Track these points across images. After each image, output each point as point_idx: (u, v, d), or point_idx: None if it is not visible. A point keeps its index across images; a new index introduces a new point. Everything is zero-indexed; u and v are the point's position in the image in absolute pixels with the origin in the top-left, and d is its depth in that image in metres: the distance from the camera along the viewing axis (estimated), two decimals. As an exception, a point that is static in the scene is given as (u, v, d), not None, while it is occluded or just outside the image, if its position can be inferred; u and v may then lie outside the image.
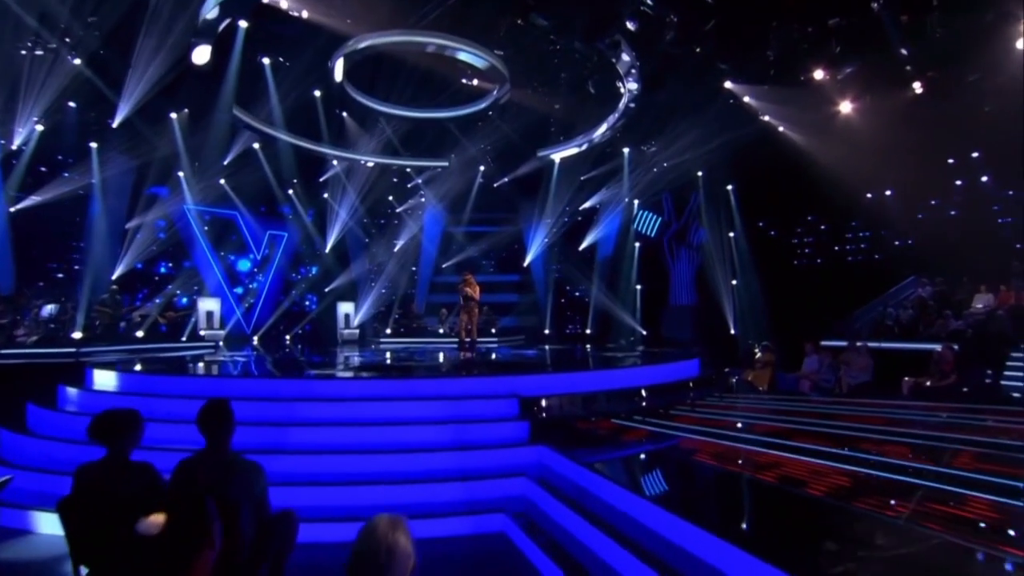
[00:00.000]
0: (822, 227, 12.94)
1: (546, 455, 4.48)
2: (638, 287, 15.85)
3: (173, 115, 10.97)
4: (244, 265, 14.18)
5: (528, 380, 5.80)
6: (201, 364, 6.98)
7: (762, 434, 4.73)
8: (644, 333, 14.93)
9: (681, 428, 4.95)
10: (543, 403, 5.46)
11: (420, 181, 15.21)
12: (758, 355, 9.00)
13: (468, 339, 8.71)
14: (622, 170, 14.29)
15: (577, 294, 17.03)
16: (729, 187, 14.49)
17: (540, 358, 8.11)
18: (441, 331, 12.77)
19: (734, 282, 14.39)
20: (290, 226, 14.72)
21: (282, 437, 4.68)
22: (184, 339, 10.46)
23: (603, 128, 12.21)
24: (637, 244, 15.94)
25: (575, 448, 4.31)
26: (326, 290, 14.79)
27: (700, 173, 14.37)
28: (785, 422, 5.23)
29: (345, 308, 13.83)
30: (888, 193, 11.70)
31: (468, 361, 7.35)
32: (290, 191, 14.40)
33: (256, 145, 12.73)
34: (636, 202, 15.27)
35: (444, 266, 16.16)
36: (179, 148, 11.23)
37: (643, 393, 6.10)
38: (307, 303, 15.54)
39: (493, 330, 13.29)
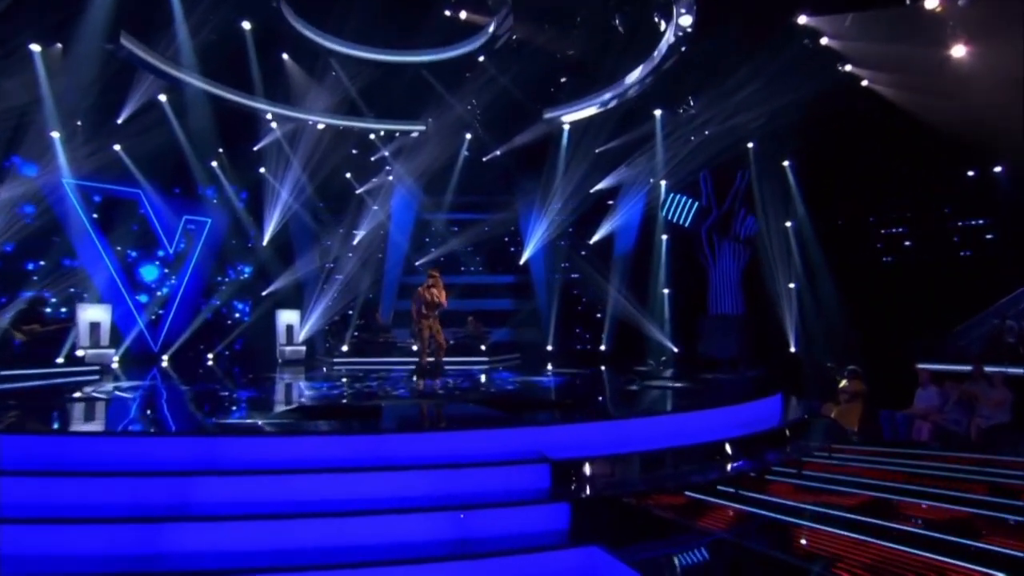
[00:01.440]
0: (909, 214, 12.24)
1: (600, 563, 3.48)
2: (666, 291, 15.16)
3: (35, 48, 9.46)
4: (151, 273, 13.54)
5: (559, 433, 4.90)
6: (44, 407, 6.02)
7: (938, 527, 3.77)
8: (676, 351, 14.47)
9: (793, 509, 4.11)
10: (586, 470, 4.51)
11: (387, 153, 14.76)
12: (843, 384, 8.33)
13: (430, 360, 7.92)
14: (651, 139, 13.70)
15: (587, 300, 16.62)
16: (786, 163, 13.65)
17: (558, 392, 7.54)
18: (415, 347, 11.38)
19: (792, 285, 13.56)
20: (214, 211, 14.29)
21: (162, 540, 3.45)
22: (60, 361, 9.48)
23: (635, 76, 11.50)
24: (665, 237, 15.31)
25: (639, 545, 3.48)
26: (263, 294, 14.50)
27: (751, 145, 13.69)
28: (963, 501, 4.31)
29: (288, 318, 13.65)
30: (998, 170, 10.73)
31: (453, 395, 6.75)
32: (213, 163, 13.80)
33: (162, 97, 11.73)
34: (664, 183, 14.71)
35: (418, 264, 15.88)
36: (45, 98, 9.85)
37: (727, 449, 5.16)
38: (237, 312, 15.11)
39: (483, 347, 12.96)
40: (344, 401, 6.66)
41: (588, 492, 4.23)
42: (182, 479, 3.92)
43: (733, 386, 8.10)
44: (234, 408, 6.23)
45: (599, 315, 16.10)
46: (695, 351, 14.03)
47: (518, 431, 4.81)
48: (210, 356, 13.78)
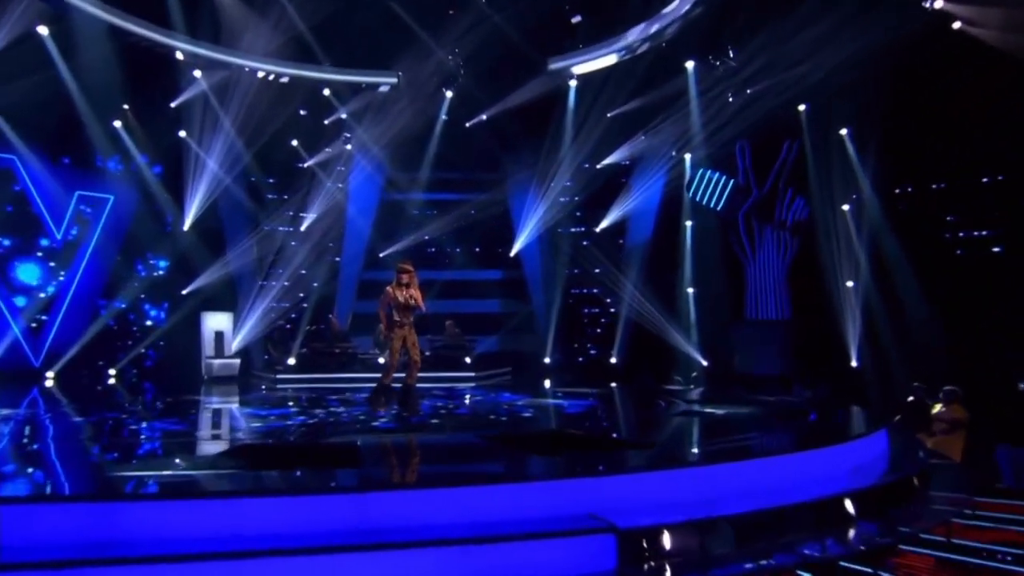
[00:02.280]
0: (1008, 196, 11.77)
1: None
2: (691, 291, 14.98)
3: None
4: (29, 272, 13.02)
5: (622, 486, 4.47)
6: None
7: None
8: (704, 364, 14.27)
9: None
10: (664, 542, 4.04)
11: (346, 114, 14.48)
12: (938, 409, 8.15)
13: (398, 381, 7.56)
14: (679, 100, 13.45)
15: (593, 297, 16.50)
16: (844, 131, 13.25)
17: (587, 421, 7.48)
18: (382, 360, 11.86)
19: (850, 283, 13.20)
20: (117, 187, 13.87)
21: None
22: None
23: (669, 11, 11.27)
24: (691, 223, 15.10)
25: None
26: (183, 293, 14.10)
27: (803, 107, 13.34)
28: None
29: (216, 323, 13.41)
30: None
31: (451, 426, 6.67)
32: (116, 124, 13.31)
33: (43, 30, 11.08)
34: (689, 156, 14.51)
35: (383, 255, 15.76)
36: None
37: (847, 508, 4.69)
38: (149, 316, 14.89)
39: (467, 359, 13.09)
40: (302, 438, 6.23)
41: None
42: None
43: (814, 416, 7.90)
44: (142, 450, 5.81)
45: (608, 320, 16.11)
46: (728, 365, 13.94)
47: (564, 484, 4.38)
48: (112, 373, 13.49)
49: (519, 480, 4.48)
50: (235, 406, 9.29)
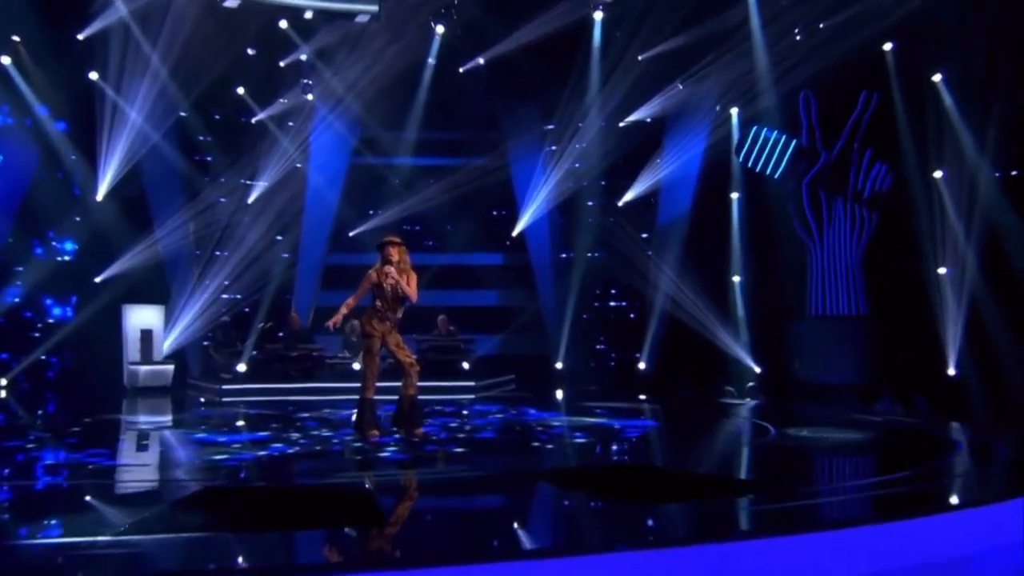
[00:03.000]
0: None
1: None
2: (737, 280, 14.90)
3: None
4: None
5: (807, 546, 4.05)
6: None
7: None
8: (758, 371, 14.18)
9: None
10: None
11: (306, 55, 14.35)
12: None
13: (407, 402, 7.47)
14: (729, 37, 13.31)
15: (616, 288, 16.73)
16: (938, 77, 12.90)
17: (685, 450, 7.61)
18: (356, 367, 12.51)
19: (942, 271, 12.92)
20: (7, 144, 13.44)
21: None
22: None
23: None
24: (737, 196, 15.02)
25: None
26: (97, 281, 13.78)
27: (889, 46, 13.12)
28: None
29: (142, 319, 13.31)
30: None
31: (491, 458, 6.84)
32: (4, 61, 12.98)
33: None
34: (736, 111, 14.50)
35: (354, 234, 15.76)
36: None
37: None
38: (52, 311, 14.66)
39: (465, 364, 13.37)
40: (288, 476, 5.92)
41: None
42: None
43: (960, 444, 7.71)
44: (48, 501, 5.12)
45: (635, 316, 16.13)
46: (787, 372, 13.76)
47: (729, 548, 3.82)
48: (2, 383, 13.23)
49: (641, 545, 3.82)
50: (177, 428, 9.14)
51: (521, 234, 15.97)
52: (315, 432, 8.20)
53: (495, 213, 16.82)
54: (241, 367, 13.43)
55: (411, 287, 6.89)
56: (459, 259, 16.48)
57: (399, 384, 7.41)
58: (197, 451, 7.28)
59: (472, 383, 12.73)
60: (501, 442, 8.00)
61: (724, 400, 12.18)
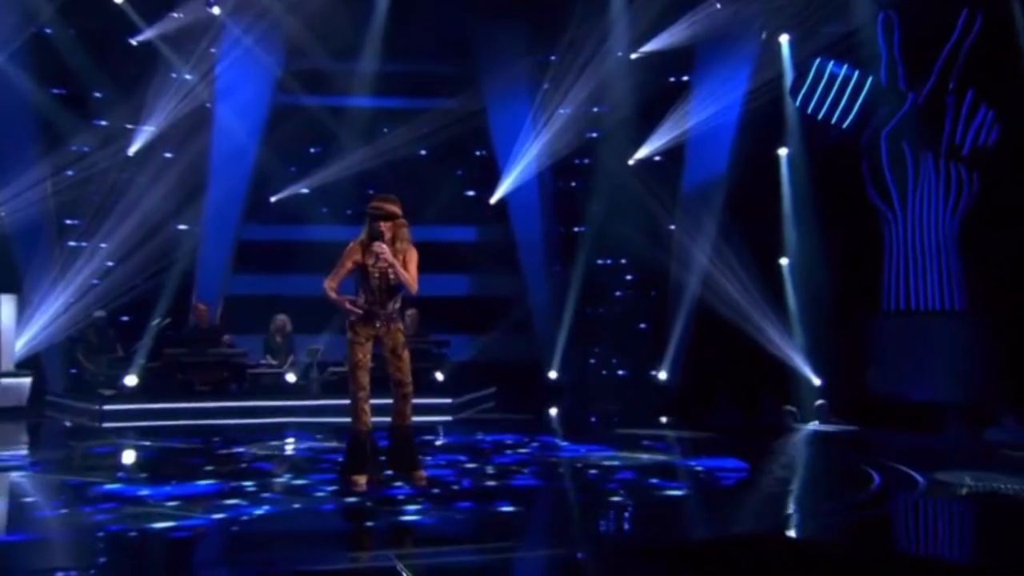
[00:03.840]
0: None
1: None
2: (784, 262, 14.53)
3: None
4: None
5: None
6: None
7: None
8: (818, 383, 13.75)
9: None
10: None
11: None
12: None
13: (400, 435, 7.25)
14: None
15: (633, 281, 16.57)
16: None
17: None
18: (291, 378, 13.20)
19: None
20: None
21: None
22: None
23: None
24: (786, 151, 14.54)
25: None
26: None
27: None
28: None
29: None
30: None
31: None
32: None
33: None
34: (787, 38, 14.14)
35: (278, 199, 15.71)
36: None
37: None
38: None
39: (439, 375, 13.55)
40: (283, 556, 5.49)
41: None
42: None
43: None
44: None
45: (654, 311, 15.88)
46: (857, 385, 13.40)
47: None
48: None
49: None
50: (53, 472, 8.57)
51: (502, 202, 15.84)
52: (276, 478, 7.80)
53: (466, 173, 16.74)
54: (130, 379, 12.97)
55: (411, 272, 6.62)
56: (419, 234, 16.02)
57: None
58: (113, 516, 6.26)
59: (449, 400, 12.52)
60: (558, 493, 7.70)
61: (795, 424, 12.23)
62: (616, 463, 9.12)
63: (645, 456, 9.58)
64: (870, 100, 13.65)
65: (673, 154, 15.12)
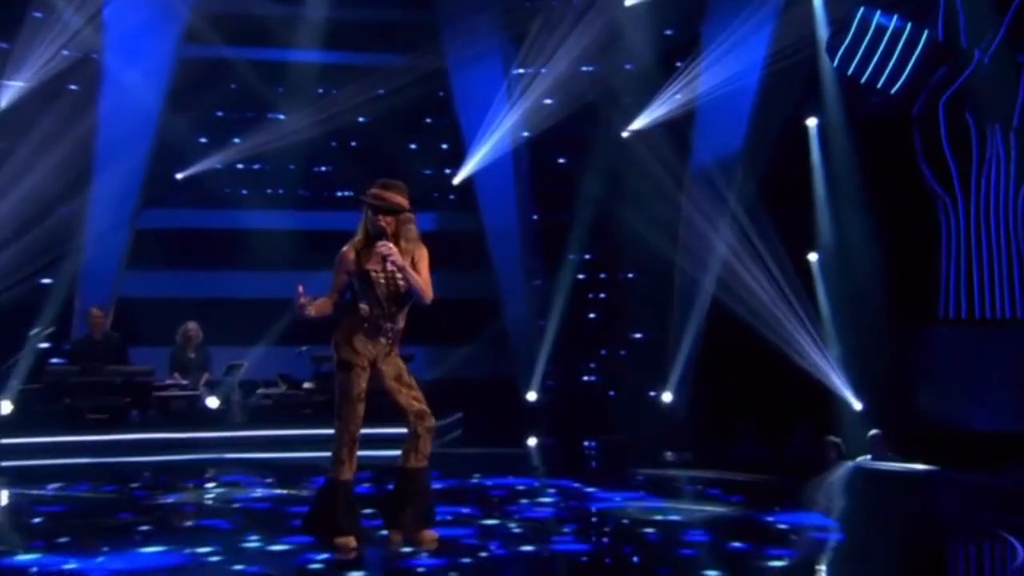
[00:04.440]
0: None
1: None
2: (814, 257, 14.64)
3: None
4: None
5: None
6: None
7: None
8: (859, 408, 13.75)
9: None
10: None
11: None
12: None
13: (411, 481, 6.69)
14: None
15: (635, 280, 16.42)
16: None
17: None
18: (213, 403, 12.68)
19: None
20: None
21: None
22: None
23: None
24: (815, 122, 14.61)
25: None
26: None
27: None
28: None
29: None
30: None
31: None
32: None
33: None
34: None
35: (185, 176, 15.44)
36: None
37: None
38: None
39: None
40: None
41: None
42: None
43: None
44: None
45: (656, 316, 15.56)
46: (907, 409, 13.35)
47: None
48: None
49: None
50: None
51: (468, 183, 15.48)
52: (243, 542, 6.99)
53: (423, 147, 16.34)
54: (3, 406, 12.44)
55: (424, 276, 6.22)
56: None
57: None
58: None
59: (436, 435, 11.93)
60: (629, 566, 6.77)
61: (840, 460, 11.74)
62: (673, 518, 8.52)
63: (697, 507, 9.13)
64: (924, 60, 13.41)
65: (680, 125, 14.68)
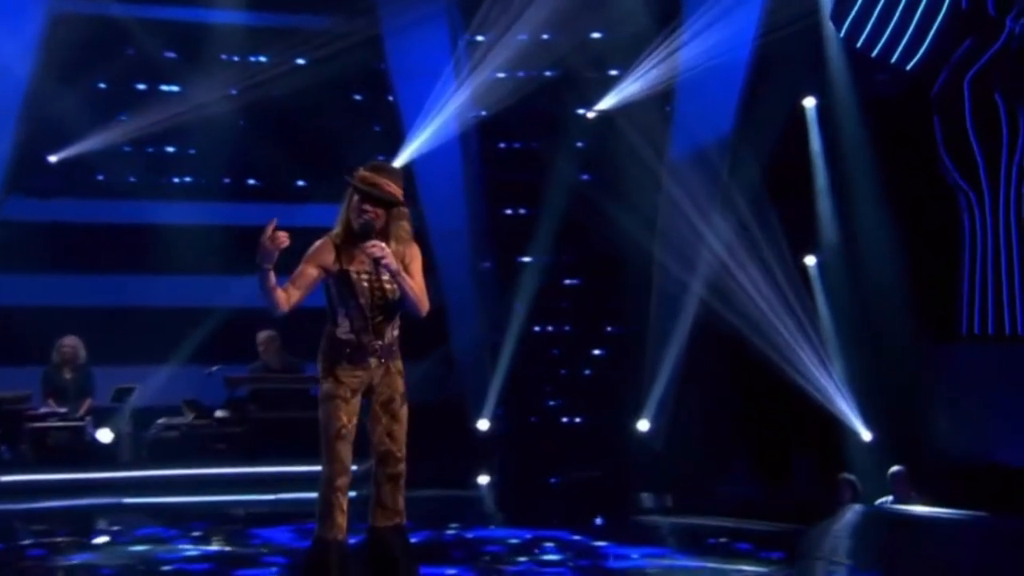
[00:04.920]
0: None
1: None
2: (812, 262, 14.56)
3: None
4: None
5: None
6: None
7: None
8: (870, 439, 13.62)
9: None
10: None
11: None
12: None
13: (389, 540, 6.36)
14: None
15: (601, 283, 16.50)
16: None
17: None
18: (105, 437, 12.22)
19: None
20: None
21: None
22: None
23: None
24: (813, 103, 14.58)
25: None
26: None
27: None
28: None
29: None
30: None
31: None
32: None
33: None
34: None
35: (60, 159, 15.10)
36: None
37: None
38: None
39: None
40: None
41: None
42: None
43: None
44: None
45: (633, 332, 15.39)
46: (925, 443, 13.07)
47: None
48: None
49: None
50: None
51: (406, 170, 13.50)
52: None
53: (352, 127, 15.40)
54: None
55: (419, 283, 5.75)
56: (283, 215, 14.57)
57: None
58: None
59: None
60: None
61: (855, 502, 11.31)
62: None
63: (733, 567, 8.51)
64: (946, 31, 12.86)
65: (657, 104, 14.30)
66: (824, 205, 14.19)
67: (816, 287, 14.25)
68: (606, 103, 14.48)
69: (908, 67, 13.05)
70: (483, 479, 13.06)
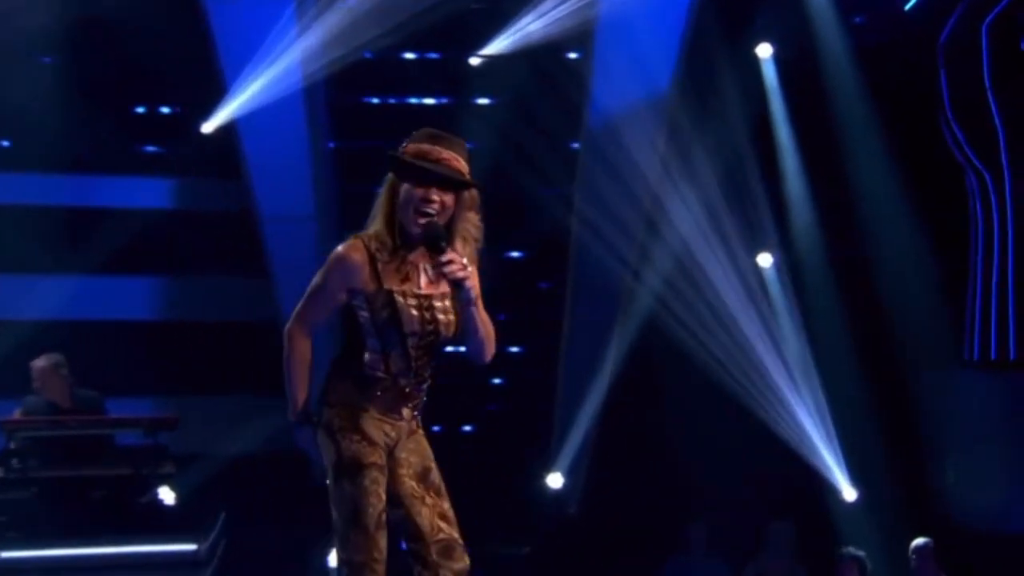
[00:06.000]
0: None
1: None
2: (766, 260, 14.50)
3: None
4: None
5: None
6: None
7: None
8: (852, 497, 13.83)
9: None
10: None
11: None
12: None
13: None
14: None
15: (497, 285, 15.98)
16: None
17: None
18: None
19: None
20: None
21: None
22: None
23: None
24: (769, 52, 14.82)
25: None
26: None
27: None
28: None
29: None
30: None
31: None
32: None
33: None
34: None
35: None
36: None
37: None
38: None
39: (165, 492, 12.40)
40: None
41: None
42: None
43: None
44: None
45: (540, 355, 15.28)
46: (930, 499, 13.36)
47: None
48: None
49: None
50: None
51: (230, 134, 14.23)
52: None
53: (149, 77, 14.83)
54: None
55: (482, 313, 4.96)
56: (51, 197, 14.78)
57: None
58: None
59: (193, 546, 10.84)
60: None
61: None
62: None
63: None
64: None
65: (570, 50, 14.00)
66: (793, 188, 13.76)
67: (774, 293, 13.91)
68: (496, 46, 13.79)
69: (907, 7, 12.96)
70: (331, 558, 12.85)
